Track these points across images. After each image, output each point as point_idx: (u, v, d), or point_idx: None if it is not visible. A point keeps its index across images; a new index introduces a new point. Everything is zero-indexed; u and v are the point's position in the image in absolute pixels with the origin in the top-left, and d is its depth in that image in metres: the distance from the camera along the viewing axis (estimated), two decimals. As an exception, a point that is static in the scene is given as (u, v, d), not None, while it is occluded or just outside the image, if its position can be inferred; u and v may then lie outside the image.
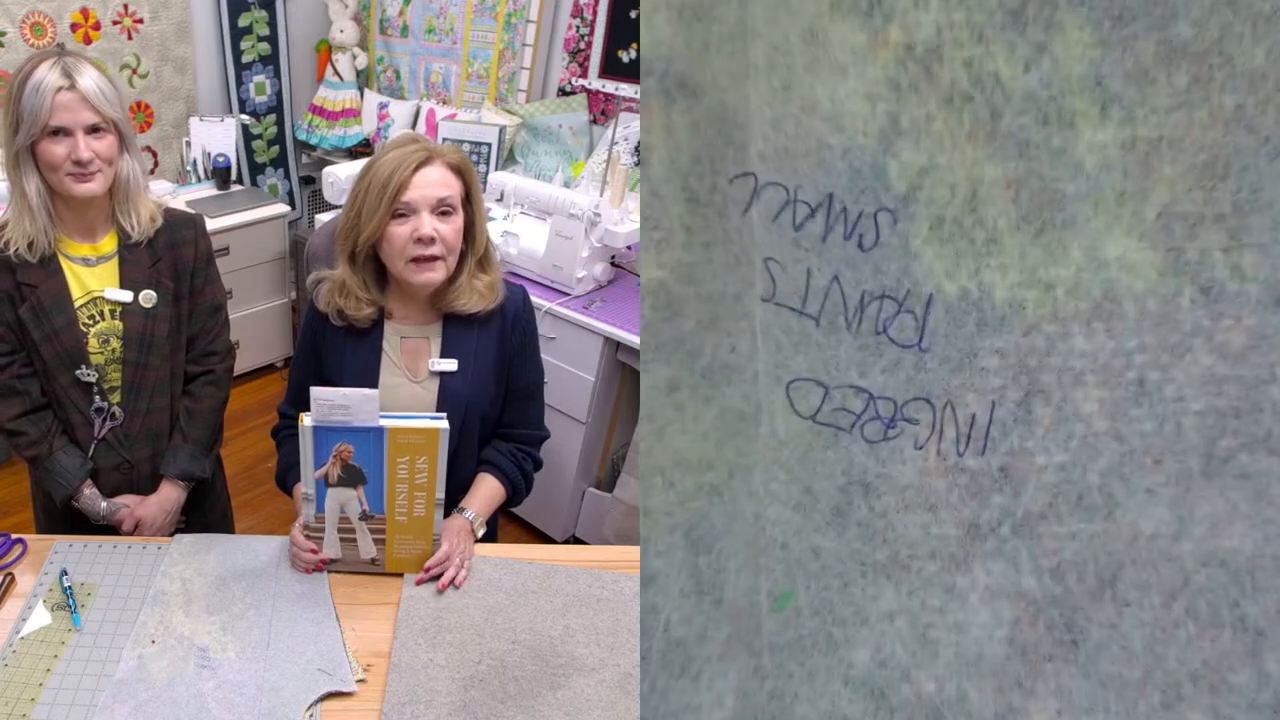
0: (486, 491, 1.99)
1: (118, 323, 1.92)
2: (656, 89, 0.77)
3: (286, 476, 2.02)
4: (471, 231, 1.88)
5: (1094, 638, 0.79)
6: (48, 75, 1.73)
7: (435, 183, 1.79)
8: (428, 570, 1.82)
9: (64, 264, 1.87)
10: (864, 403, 0.79)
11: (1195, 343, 0.77)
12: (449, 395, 1.91)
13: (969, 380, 0.78)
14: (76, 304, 1.88)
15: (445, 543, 1.84)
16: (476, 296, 1.89)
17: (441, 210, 1.80)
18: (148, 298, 1.92)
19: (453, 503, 1.94)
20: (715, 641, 0.81)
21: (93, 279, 1.90)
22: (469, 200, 1.86)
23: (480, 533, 1.93)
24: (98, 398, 1.94)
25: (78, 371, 1.90)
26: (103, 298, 1.90)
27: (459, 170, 1.83)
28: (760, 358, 0.81)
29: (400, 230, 1.79)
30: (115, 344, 1.92)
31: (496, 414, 2.02)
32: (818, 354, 0.79)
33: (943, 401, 0.78)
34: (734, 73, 0.79)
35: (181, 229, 1.99)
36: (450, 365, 1.92)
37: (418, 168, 1.78)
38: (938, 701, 0.80)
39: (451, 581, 1.82)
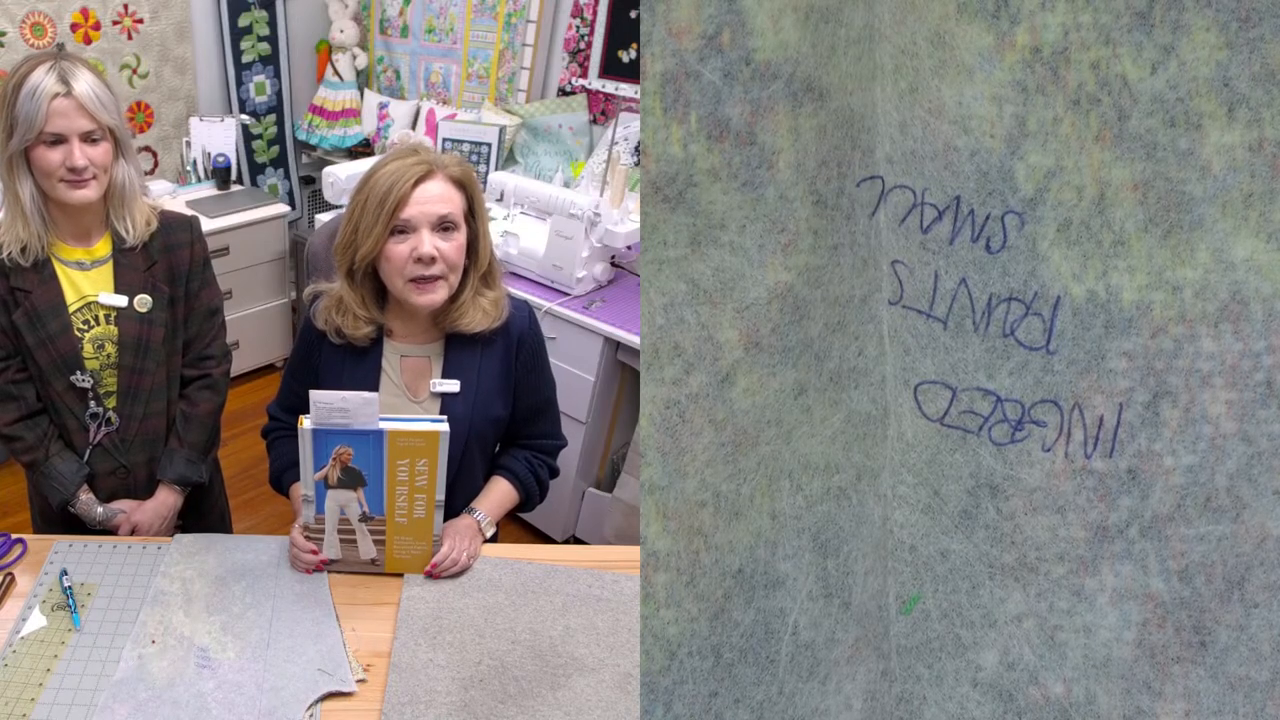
0: (498, 493, 1.96)
1: (113, 328, 1.89)
2: (783, 92, 0.76)
3: (281, 477, 1.99)
4: (475, 246, 1.81)
5: (1222, 640, 0.79)
6: (44, 80, 1.69)
7: (435, 198, 1.72)
8: (429, 572, 1.80)
9: (58, 268, 1.85)
10: (991, 405, 0.79)
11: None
12: (450, 417, 1.82)
13: (1096, 382, 0.78)
14: (71, 309, 1.85)
15: (448, 542, 1.81)
16: (481, 314, 1.83)
17: (442, 227, 1.73)
18: (143, 302, 1.89)
19: (455, 516, 1.90)
20: (843, 644, 0.81)
21: (87, 283, 1.87)
22: (472, 214, 1.80)
23: (489, 533, 1.90)
24: (93, 403, 1.91)
25: (73, 377, 1.87)
26: (97, 302, 1.87)
27: (461, 183, 1.77)
28: (887, 361, 0.81)
29: (399, 249, 1.72)
30: (110, 349, 1.89)
31: (500, 434, 1.98)
32: (945, 356, 0.79)
33: (1070, 404, 0.78)
34: (861, 75, 0.78)
35: (177, 232, 1.95)
36: (452, 386, 1.86)
37: (417, 182, 1.71)
38: (1066, 704, 0.80)
39: (445, 574, 1.80)
